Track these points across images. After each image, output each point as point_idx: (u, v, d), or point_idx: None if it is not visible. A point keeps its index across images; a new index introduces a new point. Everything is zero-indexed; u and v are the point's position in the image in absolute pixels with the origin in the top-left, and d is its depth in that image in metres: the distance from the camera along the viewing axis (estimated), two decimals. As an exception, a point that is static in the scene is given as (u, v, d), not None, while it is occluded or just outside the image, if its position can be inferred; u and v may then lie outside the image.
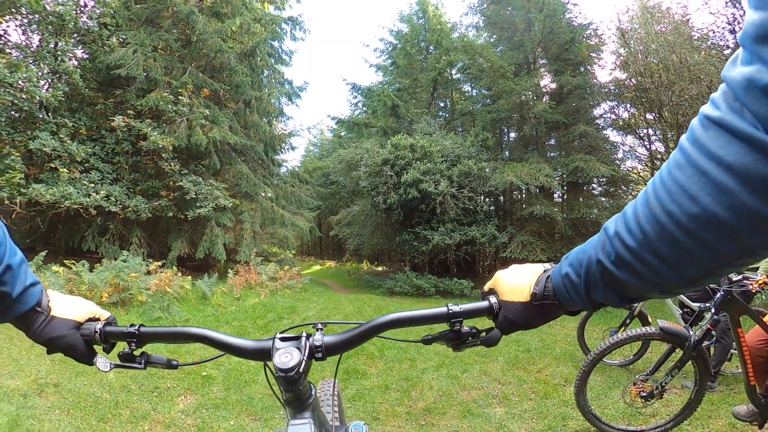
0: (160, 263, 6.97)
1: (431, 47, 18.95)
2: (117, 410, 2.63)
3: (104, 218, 8.56)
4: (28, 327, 0.63)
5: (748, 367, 2.08)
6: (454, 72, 18.17)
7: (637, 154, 12.71)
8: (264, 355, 0.67)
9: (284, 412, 0.72)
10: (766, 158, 0.31)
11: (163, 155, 8.92)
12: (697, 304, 3.28)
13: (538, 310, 0.59)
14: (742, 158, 0.32)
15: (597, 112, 13.30)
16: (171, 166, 9.03)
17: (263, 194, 11.33)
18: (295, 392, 0.65)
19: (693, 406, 2.27)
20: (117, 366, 0.68)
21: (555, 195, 12.87)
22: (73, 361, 0.67)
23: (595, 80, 12.67)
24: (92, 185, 7.96)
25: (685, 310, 3.31)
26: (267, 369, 0.72)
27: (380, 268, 21.50)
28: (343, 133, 23.42)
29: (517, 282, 0.62)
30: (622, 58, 11.62)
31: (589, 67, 12.94)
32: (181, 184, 8.89)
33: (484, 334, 0.66)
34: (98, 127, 9.14)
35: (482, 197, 10.76)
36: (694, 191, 0.35)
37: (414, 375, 3.45)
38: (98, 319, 0.70)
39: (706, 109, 0.36)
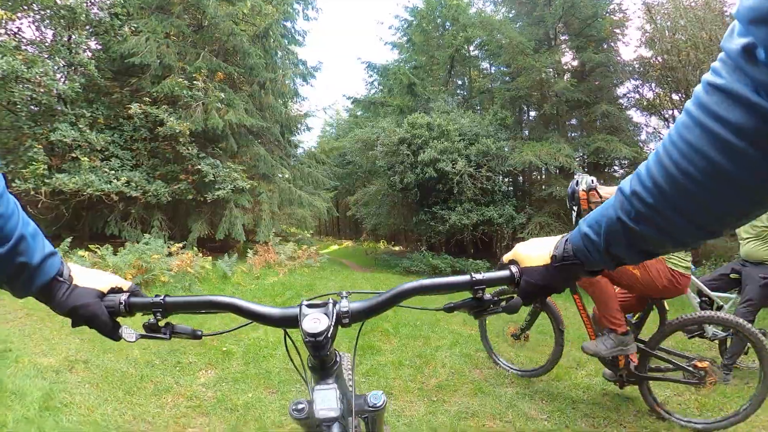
0: (181, 245, 7.16)
1: (447, 23, 18.39)
2: (142, 384, 2.76)
3: (126, 203, 8.81)
4: (52, 297, 0.62)
5: None
6: (471, 49, 17.65)
7: (661, 136, 12.18)
8: (291, 321, 0.67)
9: (304, 383, 0.74)
10: (766, 120, 0.35)
11: (181, 140, 9.05)
12: (716, 293, 3.21)
13: (559, 271, 0.61)
14: (746, 120, 0.36)
15: (620, 91, 12.82)
16: (189, 150, 9.16)
17: (281, 175, 11.42)
18: (321, 358, 0.65)
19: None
20: (142, 336, 0.68)
21: (575, 176, 12.56)
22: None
23: (618, 58, 12.16)
24: (113, 172, 8.17)
25: (703, 298, 3.23)
26: (288, 337, 0.74)
27: (397, 248, 21.61)
28: (359, 113, 23.21)
29: (537, 248, 0.65)
30: (647, 34, 11.03)
31: (612, 43, 12.38)
32: (199, 167, 9.04)
33: (504, 302, 0.68)
34: (116, 115, 9.34)
35: (500, 177, 10.59)
36: (704, 149, 0.39)
37: (428, 352, 3.50)
38: (121, 290, 0.69)
39: (709, 76, 0.40)
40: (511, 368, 3.04)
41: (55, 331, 3.79)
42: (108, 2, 9.25)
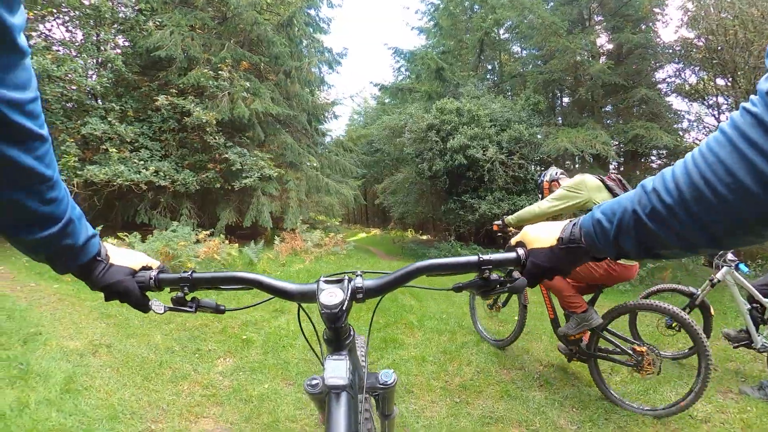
0: (208, 232, 7.26)
1: (476, 6, 17.72)
2: (160, 370, 2.74)
3: (155, 193, 9.03)
4: (90, 274, 0.68)
5: None
6: (501, 32, 16.95)
7: (705, 124, 11.26)
8: (309, 296, 0.70)
9: (319, 358, 0.77)
10: None
11: (208, 129, 9.16)
12: None
13: (564, 253, 0.62)
14: None
15: (660, 75, 11.97)
16: (216, 139, 9.26)
17: (308, 163, 11.39)
18: (336, 330, 0.69)
19: None
20: (170, 309, 0.73)
21: (611, 166, 11.86)
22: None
23: (658, 39, 11.24)
24: (142, 163, 8.36)
25: (754, 305, 2.85)
26: (304, 311, 0.80)
27: (424, 237, 21.38)
28: (386, 101, 22.94)
29: (544, 230, 0.66)
30: (690, 13, 10.08)
31: (651, 24, 11.46)
32: (226, 156, 9.13)
33: (509, 283, 0.70)
34: (145, 108, 9.59)
35: (533, 165, 10.13)
36: (731, 166, 0.41)
37: (453, 348, 3.32)
38: (150, 268, 0.76)
39: (746, 103, 0.41)
40: (488, 337, 3.46)
41: (84, 315, 3.87)
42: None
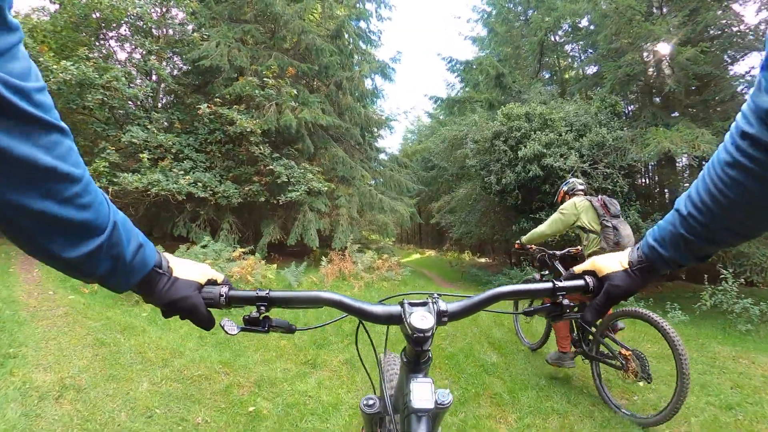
0: (246, 249, 6.47)
1: (530, 10, 16.33)
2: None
3: (194, 204, 8.52)
4: (152, 289, 0.61)
5: None
6: (560, 34, 15.40)
7: None
8: (395, 319, 0.70)
9: (369, 377, 0.85)
10: None
11: (252, 139, 8.57)
12: None
13: (638, 273, 0.68)
14: None
15: (739, 68, 9.60)
16: (261, 149, 8.64)
17: (361, 178, 10.50)
18: (420, 353, 0.70)
19: None
20: (243, 329, 0.69)
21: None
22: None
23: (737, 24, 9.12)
24: (182, 173, 7.88)
25: None
26: (365, 329, 0.83)
27: (483, 260, 19.67)
28: (441, 117, 21.85)
29: (613, 259, 0.72)
30: None
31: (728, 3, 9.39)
32: (272, 168, 8.45)
33: (577, 308, 0.76)
34: (192, 120, 9.25)
35: (621, 175, 8.40)
36: (747, 185, 0.48)
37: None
38: (216, 282, 0.70)
39: (741, 122, 0.47)
40: (525, 341, 3.81)
41: (76, 338, 3.23)
42: (179, 16, 9.41)
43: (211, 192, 8.12)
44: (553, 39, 15.55)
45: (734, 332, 5.54)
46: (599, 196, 3.03)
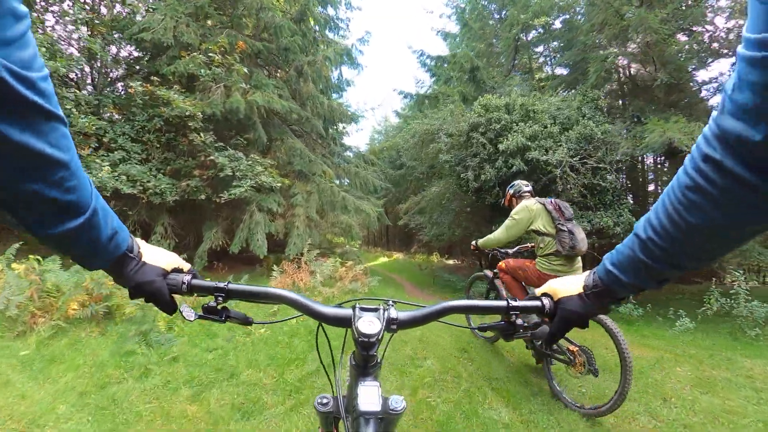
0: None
1: (504, 11, 15.76)
2: None
3: (122, 203, 6.97)
4: (120, 271, 0.65)
5: None
6: (532, 36, 14.91)
7: None
8: (344, 322, 0.71)
9: (329, 379, 0.81)
10: (754, 192, 0.43)
11: (191, 124, 7.14)
12: None
13: (592, 298, 0.68)
14: (736, 188, 0.44)
15: (704, 74, 9.22)
16: (201, 137, 7.22)
17: (322, 174, 9.22)
18: (367, 357, 0.70)
19: None
20: (200, 317, 0.73)
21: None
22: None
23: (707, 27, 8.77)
24: (107, 164, 6.35)
25: None
26: (323, 331, 0.82)
27: (451, 262, 18.90)
28: (411, 115, 20.93)
29: (569, 282, 0.72)
30: None
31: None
32: (213, 158, 7.05)
33: (533, 329, 0.76)
34: (129, 104, 7.66)
35: (612, 171, 7.66)
36: (707, 210, 0.47)
37: None
38: (182, 270, 0.74)
39: (704, 146, 0.46)
40: (480, 335, 4.02)
41: (55, 383, 2.50)
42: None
43: (141, 188, 6.60)
44: (525, 38, 15.04)
45: (744, 338, 5.18)
46: (552, 199, 3.05)
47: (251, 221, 6.96)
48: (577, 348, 2.65)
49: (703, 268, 0.72)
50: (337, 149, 11.99)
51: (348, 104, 16.41)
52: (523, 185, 3.30)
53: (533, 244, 3.13)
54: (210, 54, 7.54)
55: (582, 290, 0.69)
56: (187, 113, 7.03)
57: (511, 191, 3.37)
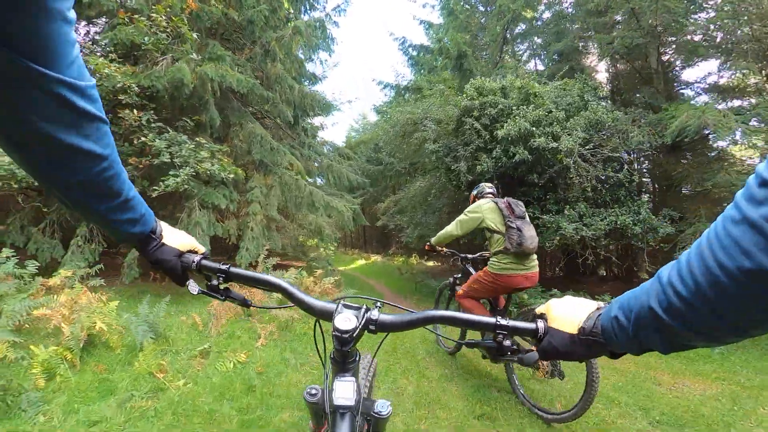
0: (91, 269, 3.66)
1: (491, 6, 14.79)
2: None
3: (36, 200, 5.43)
4: (144, 248, 0.78)
5: None
6: (520, 30, 14.03)
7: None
8: (327, 315, 0.74)
9: (326, 371, 0.79)
10: None
11: (122, 98, 5.63)
12: None
13: (583, 344, 0.59)
14: None
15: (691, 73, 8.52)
16: (134, 114, 5.71)
17: (288, 167, 7.78)
18: (343, 353, 0.73)
19: None
20: (203, 292, 0.81)
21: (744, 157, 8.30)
22: None
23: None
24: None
25: None
26: (318, 325, 0.84)
27: (431, 263, 17.70)
28: (390, 111, 19.67)
29: (569, 313, 0.63)
30: None
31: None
32: (145, 140, 5.54)
33: (521, 354, 0.68)
34: None
35: (625, 163, 6.60)
36: (747, 246, 0.36)
37: None
38: (196, 252, 0.84)
39: (763, 169, 0.36)
40: (444, 347, 4.01)
41: None
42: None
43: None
44: (512, 33, 14.10)
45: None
46: (505, 198, 3.07)
47: (189, 221, 5.47)
48: (535, 347, 2.21)
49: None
50: (308, 141, 10.57)
51: (323, 93, 15.00)
52: (487, 187, 3.36)
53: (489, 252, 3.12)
54: (153, 15, 6.04)
55: (576, 332, 0.60)
56: (118, 85, 5.53)
57: (475, 192, 3.42)
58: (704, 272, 0.40)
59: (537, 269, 2.95)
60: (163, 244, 0.78)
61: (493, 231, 2.94)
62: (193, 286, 0.79)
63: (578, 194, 6.37)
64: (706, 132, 5.67)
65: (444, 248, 3.47)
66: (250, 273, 0.80)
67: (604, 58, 8.37)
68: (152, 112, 6.10)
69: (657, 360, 4.22)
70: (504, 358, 0.70)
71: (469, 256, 3.48)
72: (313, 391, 0.80)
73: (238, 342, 3.76)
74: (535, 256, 2.95)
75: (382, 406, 0.77)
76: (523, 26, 13.72)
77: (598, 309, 0.60)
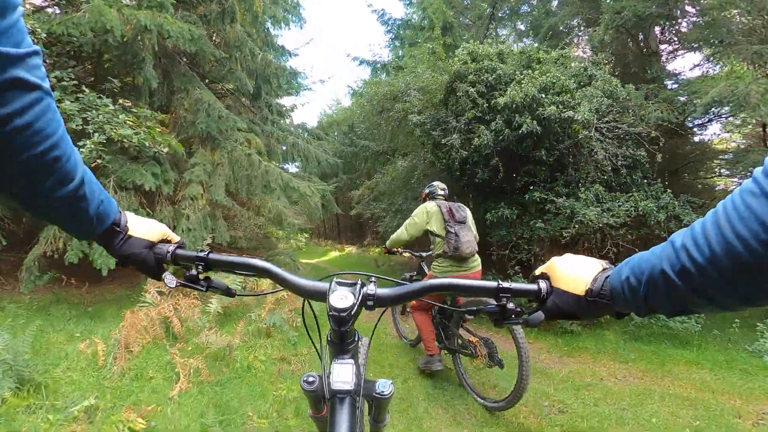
0: None
1: None
2: None
3: None
4: (108, 244, 0.69)
5: None
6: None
7: None
8: (319, 295, 0.69)
9: (320, 356, 0.76)
10: None
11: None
12: None
13: (590, 305, 0.59)
14: None
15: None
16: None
17: (244, 143, 6.37)
18: (341, 334, 0.68)
19: None
20: (181, 284, 0.73)
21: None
22: None
23: None
24: None
25: None
26: (310, 307, 0.79)
27: (407, 254, 16.52)
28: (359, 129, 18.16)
29: (575, 274, 0.62)
30: None
31: None
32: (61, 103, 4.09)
33: (526, 315, 0.66)
34: None
35: (644, 141, 5.61)
36: (765, 219, 0.37)
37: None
38: (170, 241, 0.76)
39: None
40: (405, 338, 4.12)
41: None
42: None
43: None
44: (494, 13, 13.02)
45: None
46: (447, 203, 3.13)
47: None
48: (478, 339, 2.75)
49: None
50: (273, 117, 9.14)
51: (293, 68, 13.48)
52: (440, 189, 3.34)
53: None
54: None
55: (583, 293, 0.59)
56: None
57: (427, 191, 3.42)
58: (720, 241, 0.41)
59: (479, 269, 3.05)
60: (130, 236, 0.70)
61: (435, 235, 3.02)
62: (170, 279, 0.73)
63: (594, 175, 5.35)
64: (742, 107, 4.77)
65: (399, 250, 3.53)
66: (231, 258, 0.74)
67: (608, 30, 7.34)
68: (71, 69, 4.68)
69: (714, 378, 3.34)
70: (508, 321, 0.67)
71: (424, 254, 3.52)
72: (311, 379, 0.74)
73: (147, 387, 2.51)
74: (476, 257, 3.06)
75: (383, 386, 0.74)
76: (512, 2, 12.69)
77: (603, 270, 0.60)
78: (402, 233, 3.19)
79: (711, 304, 0.45)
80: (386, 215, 9.36)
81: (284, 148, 8.06)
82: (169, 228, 3.45)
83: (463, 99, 5.77)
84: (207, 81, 7.53)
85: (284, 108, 10.07)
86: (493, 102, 5.52)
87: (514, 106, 5.21)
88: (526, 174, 5.74)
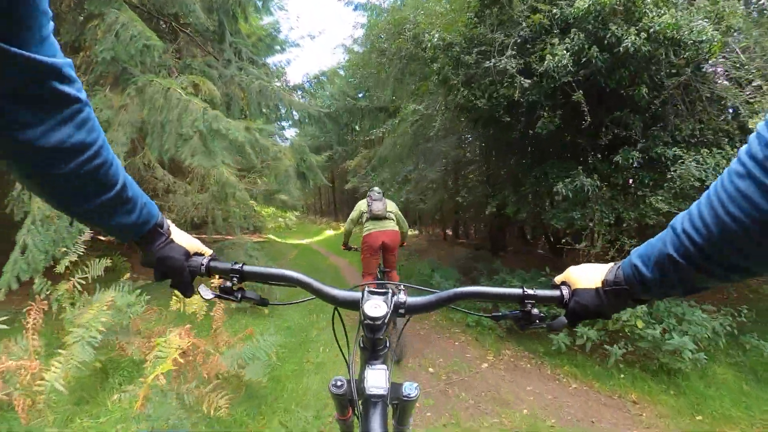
0: None
1: None
2: None
3: None
4: (149, 244, 0.66)
5: None
6: None
7: None
8: (352, 304, 0.71)
9: (346, 360, 0.77)
10: None
11: None
12: None
13: (609, 296, 0.60)
14: None
15: None
16: None
17: (170, 80, 4.23)
18: (374, 340, 0.69)
19: None
20: (217, 296, 0.73)
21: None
22: None
23: None
24: None
25: None
26: (339, 316, 0.79)
27: (414, 233, 13.92)
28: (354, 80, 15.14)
29: (590, 272, 0.64)
30: None
31: None
32: None
33: (549, 320, 0.67)
34: None
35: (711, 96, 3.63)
36: (754, 198, 0.38)
37: None
38: (203, 254, 0.74)
39: (763, 129, 0.38)
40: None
41: None
42: None
43: None
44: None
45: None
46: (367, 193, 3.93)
47: None
48: None
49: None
50: (242, 64, 7.02)
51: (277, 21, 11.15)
52: (375, 192, 3.87)
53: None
54: None
55: (600, 285, 0.61)
56: None
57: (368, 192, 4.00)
58: (715, 221, 0.43)
59: (393, 227, 3.72)
60: (171, 240, 0.69)
61: (364, 212, 3.78)
62: (205, 291, 0.72)
63: (688, 125, 3.40)
64: None
65: (354, 247, 4.03)
66: (264, 269, 0.75)
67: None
68: None
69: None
70: (532, 326, 0.68)
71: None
72: (339, 383, 0.73)
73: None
74: (390, 221, 3.70)
75: (410, 388, 0.74)
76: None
77: (615, 264, 0.61)
78: (347, 226, 3.92)
79: (718, 279, 0.47)
80: (390, 187, 7.32)
81: (237, 78, 5.89)
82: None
83: (516, 3, 3.71)
84: (144, 12, 5.42)
85: (277, 67, 7.92)
86: (565, 7, 3.46)
87: (603, 11, 3.18)
88: (614, 124, 3.71)
